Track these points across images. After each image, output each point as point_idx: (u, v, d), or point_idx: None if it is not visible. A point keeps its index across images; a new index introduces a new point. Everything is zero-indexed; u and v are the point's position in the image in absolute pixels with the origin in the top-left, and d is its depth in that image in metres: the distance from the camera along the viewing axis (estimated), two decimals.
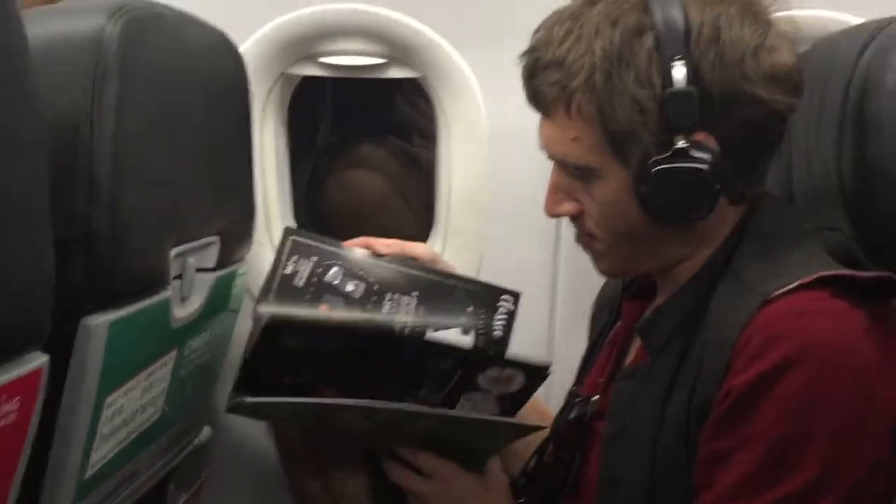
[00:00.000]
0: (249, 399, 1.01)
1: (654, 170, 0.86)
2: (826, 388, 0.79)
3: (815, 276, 0.83)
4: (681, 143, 0.85)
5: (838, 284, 0.83)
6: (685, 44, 0.84)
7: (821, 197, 0.99)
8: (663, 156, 0.85)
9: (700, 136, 0.86)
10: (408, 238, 1.29)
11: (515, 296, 1.08)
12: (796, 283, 0.82)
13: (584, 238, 0.98)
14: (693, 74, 0.84)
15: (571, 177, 0.93)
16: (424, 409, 1.03)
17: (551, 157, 0.95)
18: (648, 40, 0.84)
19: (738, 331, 0.82)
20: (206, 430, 1.37)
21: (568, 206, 0.95)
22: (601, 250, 0.97)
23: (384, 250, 1.08)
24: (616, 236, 0.93)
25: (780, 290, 0.82)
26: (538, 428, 1.05)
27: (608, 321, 1.15)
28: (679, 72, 0.83)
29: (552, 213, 0.97)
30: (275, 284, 1.05)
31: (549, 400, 1.55)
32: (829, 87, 0.98)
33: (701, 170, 0.85)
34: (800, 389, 0.78)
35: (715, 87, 0.84)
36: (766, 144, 0.91)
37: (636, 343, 1.02)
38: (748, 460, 0.80)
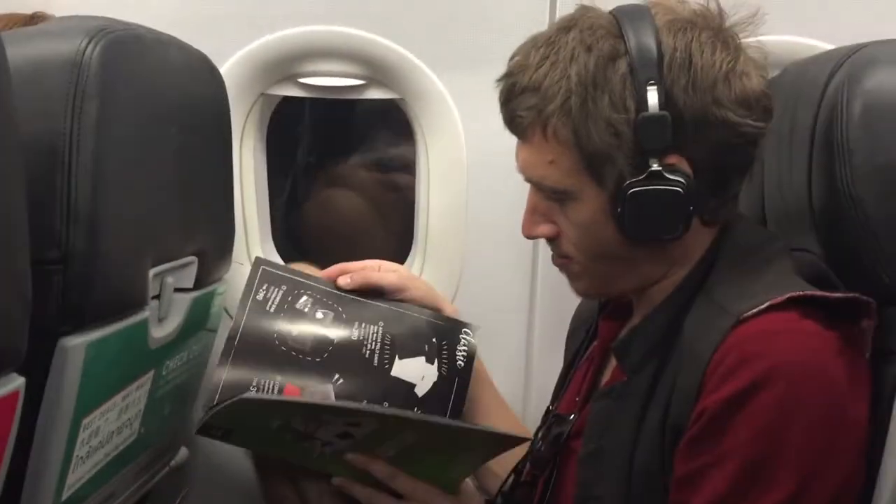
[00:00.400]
0: (226, 402, 1.00)
1: (629, 192, 0.87)
2: (797, 407, 0.80)
3: (785, 296, 0.84)
4: (655, 166, 0.87)
5: (808, 305, 0.85)
6: (658, 69, 0.86)
7: (792, 219, 1.01)
8: (638, 178, 0.87)
9: (673, 159, 0.88)
10: (386, 258, 1.30)
11: (473, 329, 1.16)
12: (767, 304, 0.84)
13: (561, 259, 0.99)
14: (666, 99, 0.86)
15: (548, 199, 0.95)
16: (413, 414, 1.05)
17: (528, 179, 0.96)
18: (622, 66, 0.86)
19: (710, 351, 0.83)
20: (182, 451, 1.36)
21: (544, 228, 0.97)
22: (577, 271, 0.98)
23: (348, 285, 1.11)
24: (592, 257, 0.94)
25: (752, 311, 0.84)
26: (523, 439, 1.06)
27: (584, 340, 1.16)
28: (652, 96, 0.85)
29: (529, 234, 0.99)
30: (235, 342, 1.08)
31: (525, 419, 1.56)
32: (798, 112, 1.00)
33: (675, 191, 0.87)
34: (771, 409, 0.80)
35: (687, 111, 0.87)
36: (738, 166, 0.93)
37: (612, 362, 1.03)
38: (721, 480, 0.81)
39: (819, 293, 0.86)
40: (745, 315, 0.84)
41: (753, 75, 0.89)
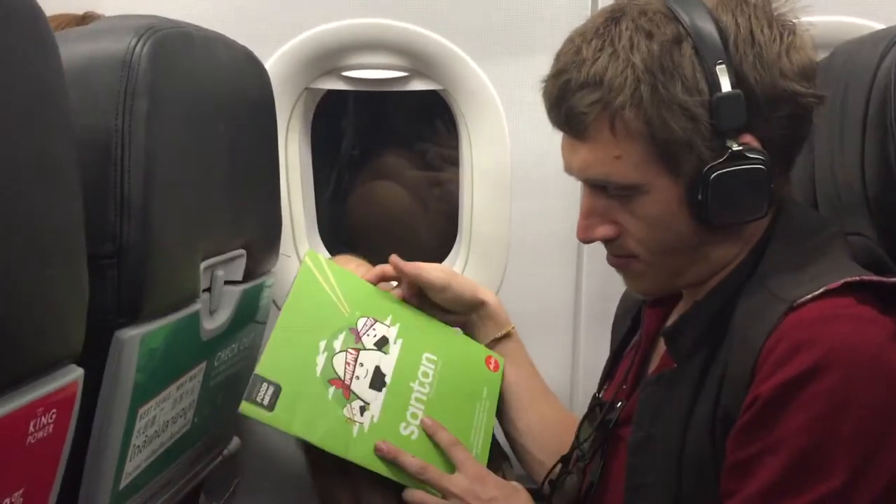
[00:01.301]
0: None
1: (712, 176, 0.85)
2: (853, 394, 0.78)
3: (840, 281, 0.82)
4: (734, 147, 0.85)
5: (864, 290, 0.83)
6: (724, 48, 0.84)
7: (845, 203, 0.99)
8: (719, 161, 0.85)
9: (747, 139, 0.86)
10: (429, 251, 1.29)
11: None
12: (822, 290, 0.82)
13: (621, 259, 0.95)
14: (737, 77, 0.84)
15: (610, 198, 0.91)
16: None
17: (587, 179, 0.92)
18: (687, 48, 0.84)
19: (763, 338, 0.82)
20: (235, 441, 1.38)
21: (604, 230, 0.93)
22: (641, 270, 0.94)
23: (403, 273, 1.17)
24: (660, 251, 0.91)
25: (806, 297, 0.82)
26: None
27: (630, 328, 1.15)
28: (724, 76, 0.83)
29: (587, 238, 0.94)
30: None
31: (573, 411, 1.55)
32: (849, 94, 0.98)
33: (758, 170, 0.85)
34: (827, 395, 0.78)
35: (758, 87, 0.85)
36: (801, 139, 0.92)
37: (659, 349, 1.02)
38: (774, 467, 0.79)
39: (875, 278, 0.84)
40: (800, 301, 0.82)
41: (808, 47, 0.88)
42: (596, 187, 0.92)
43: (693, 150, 0.85)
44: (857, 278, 0.83)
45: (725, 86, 0.83)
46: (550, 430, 1.20)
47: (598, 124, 0.87)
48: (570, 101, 0.87)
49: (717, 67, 0.84)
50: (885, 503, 0.79)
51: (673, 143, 0.85)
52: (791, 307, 0.82)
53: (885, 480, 0.79)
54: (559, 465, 1.11)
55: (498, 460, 1.33)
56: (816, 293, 0.82)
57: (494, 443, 1.35)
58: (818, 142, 1.02)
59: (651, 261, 0.93)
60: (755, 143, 0.86)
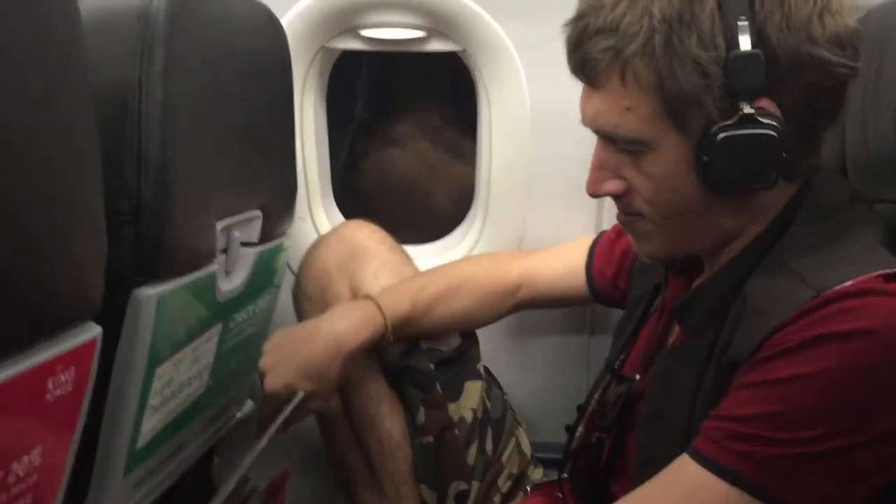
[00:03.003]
0: None
1: (718, 137, 0.81)
2: (883, 361, 0.76)
3: (873, 274, 0.79)
4: (746, 109, 0.81)
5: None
6: (750, 4, 0.80)
7: (877, 169, 0.96)
8: (728, 122, 0.81)
9: (764, 102, 0.82)
10: (443, 215, 1.26)
11: None
12: (851, 282, 0.78)
13: (629, 217, 0.93)
14: (758, 37, 0.80)
15: (619, 152, 0.89)
16: None
17: (598, 131, 0.90)
18: (711, 2, 0.80)
19: (780, 320, 0.78)
20: (248, 404, 1.38)
21: (613, 185, 0.91)
22: (647, 230, 0.92)
23: None
24: (667, 213, 0.89)
25: (836, 288, 0.78)
26: None
27: (649, 294, 1.12)
28: (744, 33, 0.79)
29: (596, 192, 0.92)
30: None
31: (589, 378, 1.55)
32: (886, 56, 0.95)
33: (769, 136, 0.81)
34: (868, 350, 0.75)
35: (781, 49, 0.81)
36: (828, 112, 0.87)
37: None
38: (775, 398, 0.76)
39: None
40: (826, 293, 0.78)
41: (846, 14, 0.84)
42: (607, 140, 0.90)
43: (702, 108, 0.82)
44: (891, 271, 0.80)
45: (745, 44, 0.80)
46: None
47: (609, 72, 0.85)
48: (585, 46, 0.85)
49: (739, 24, 0.80)
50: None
51: (682, 98, 0.82)
52: (817, 295, 0.79)
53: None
54: (578, 436, 1.10)
55: (511, 426, 1.33)
56: (846, 285, 0.78)
57: (507, 409, 1.34)
58: (850, 104, 0.99)
59: (657, 221, 0.90)
60: (773, 109, 0.82)
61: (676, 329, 1.00)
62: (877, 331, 0.75)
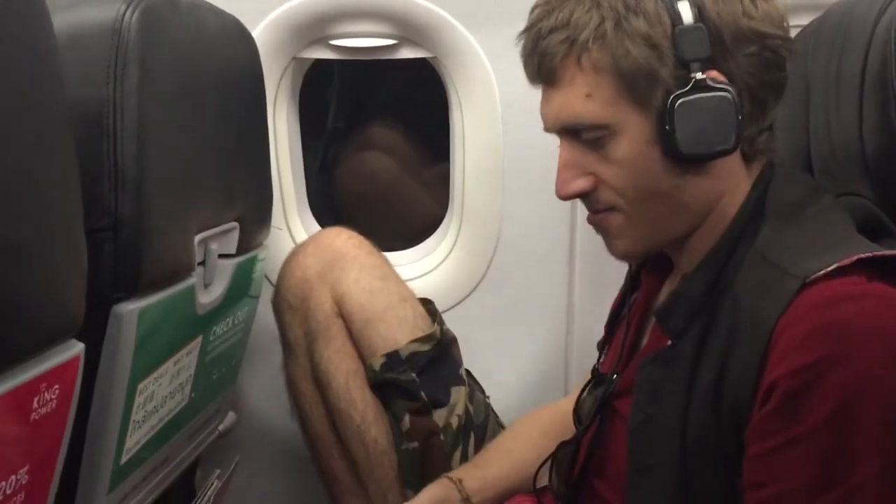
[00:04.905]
0: None
1: (677, 103, 0.86)
2: (874, 379, 0.77)
3: (853, 258, 0.81)
4: (699, 75, 0.86)
5: (872, 264, 0.82)
6: None
7: (841, 164, 0.98)
8: (685, 89, 0.86)
9: (713, 73, 0.87)
10: (421, 219, 1.27)
11: None
12: (835, 266, 0.80)
13: (599, 215, 0.94)
14: (699, 12, 0.86)
15: (583, 148, 0.91)
16: None
17: (561, 128, 0.92)
18: None
19: (775, 317, 0.80)
20: (230, 416, 1.38)
21: (581, 182, 0.92)
22: (620, 224, 0.93)
23: None
24: (638, 198, 0.90)
25: (819, 273, 0.80)
26: None
27: (628, 289, 1.13)
28: (685, 9, 0.86)
29: (566, 192, 0.93)
30: None
31: (568, 376, 1.56)
32: (846, 54, 0.97)
33: (723, 98, 0.86)
34: (847, 383, 0.76)
35: (721, 21, 0.87)
36: (774, 85, 0.91)
37: (653, 320, 1.02)
38: (800, 462, 0.78)
39: (888, 253, 0.83)
40: (812, 278, 0.80)
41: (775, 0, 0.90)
42: (570, 136, 0.92)
43: (658, 81, 0.86)
44: (871, 254, 0.82)
45: (687, 19, 0.86)
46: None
47: (565, 63, 0.88)
48: (541, 45, 0.89)
49: (679, 4, 0.86)
50: None
51: (638, 74, 0.86)
52: (804, 284, 0.81)
53: None
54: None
55: (494, 429, 1.34)
56: (829, 269, 0.80)
57: (490, 413, 1.35)
58: (813, 103, 1.01)
59: (629, 211, 0.92)
60: (721, 78, 0.87)
61: (651, 327, 1.01)
62: (853, 352, 0.77)
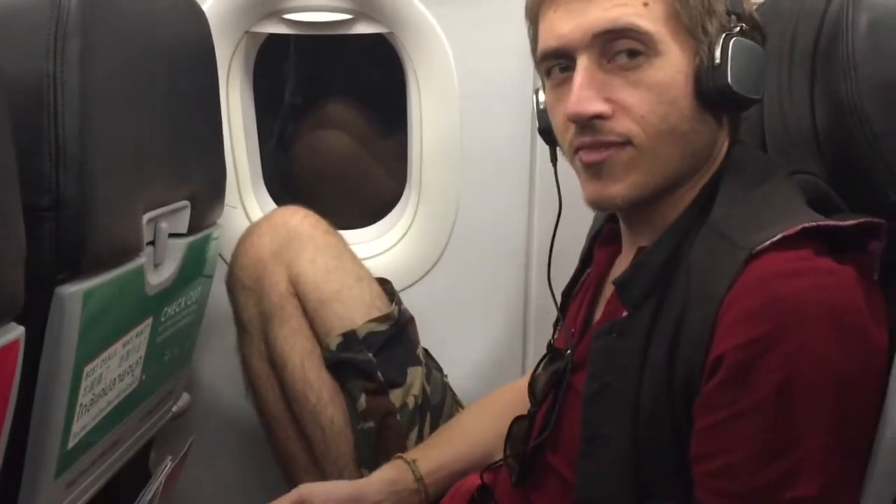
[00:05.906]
0: None
1: (732, 41, 0.88)
2: (818, 353, 0.78)
3: (798, 227, 0.82)
4: (744, 26, 0.90)
5: (820, 235, 0.83)
6: None
7: (794, 142, 0.99)
8: (737, 29, 0.89)
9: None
10: (379, 197, 1.25)
11: None
12: (779, 236, 0.81)
13: (606, 153, 0.90)
14: None
15: (610, 70, 0.88)
16: None
17: (604, 36, 0.88)
18: None
19: (723, 289, 0.80)
20: (184, 397, 1.36)
21: (600, 105, 0.88)
22: (630, 159, 0.89)
23: None
24: (660, 131, 0.88)
25: (764, 244, 0.81)
26: None
27: (579, 268, 1.13)
28: None
29: (583, 110, 0.88)
30: None
31: (526, 357, 1.56)
32: (798, 31, 0.97)
33: (760, 51, 0.91)
34: (791, 358, 0.77)
35: None
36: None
37: (606, 294, 1.01)
38: (745, 436, 0.79)
39: (832, 223, 0.84)
40: (758, 249, 0.81)
41: None
42: (599, 55, 0.89)
43: (714, 14, 0.89)
44: (814, 224, 0.83)
45: None
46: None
47: None
48: None
49: None
50: (865, 458, 0.79)
51: (699, 3, 0.89)
52: (750, 255, 0.81)
53: (862, 434, 0.79)
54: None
55: (451, 408, 1.34)
56: (774, 239, 0.81)
57: (447, 392, 1.35)
58: (768, 80, 1.01)
59: (646, 145, 0.89)
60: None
61: (604, 301, 1.01)
62: (797, 325, 0.78)
